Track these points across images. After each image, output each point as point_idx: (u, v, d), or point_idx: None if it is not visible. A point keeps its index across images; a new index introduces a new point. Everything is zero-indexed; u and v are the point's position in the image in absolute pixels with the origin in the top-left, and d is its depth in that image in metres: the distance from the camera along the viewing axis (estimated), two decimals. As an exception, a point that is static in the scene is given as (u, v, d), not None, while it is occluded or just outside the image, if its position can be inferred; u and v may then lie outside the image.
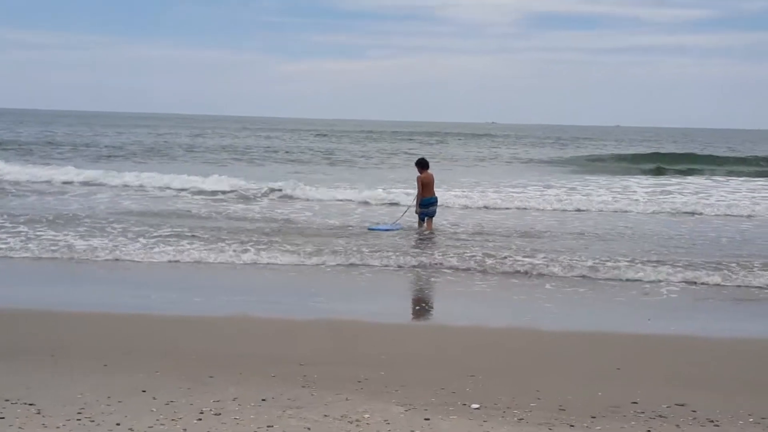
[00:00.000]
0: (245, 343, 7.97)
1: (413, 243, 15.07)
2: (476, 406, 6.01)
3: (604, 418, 5.80)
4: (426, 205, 16.46)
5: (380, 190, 23.19)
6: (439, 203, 17.07)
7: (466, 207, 20.99)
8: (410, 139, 69.23)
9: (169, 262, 12.71)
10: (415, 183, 16.81)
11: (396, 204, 20.43)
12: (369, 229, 16.68)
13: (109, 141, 53.38)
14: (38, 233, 14.52)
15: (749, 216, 20.50)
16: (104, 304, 9.72)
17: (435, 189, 16.70)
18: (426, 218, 16.49)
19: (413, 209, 16.79)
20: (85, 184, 24.95)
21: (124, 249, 13.26)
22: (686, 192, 26.45)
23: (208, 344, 7.83)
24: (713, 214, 20.69)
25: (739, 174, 36.29)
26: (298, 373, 6.74)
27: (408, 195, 19.86)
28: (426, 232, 16.17)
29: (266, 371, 6.78)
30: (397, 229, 16.52)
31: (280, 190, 23.19)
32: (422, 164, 16.80)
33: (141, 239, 14.17)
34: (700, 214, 20.69)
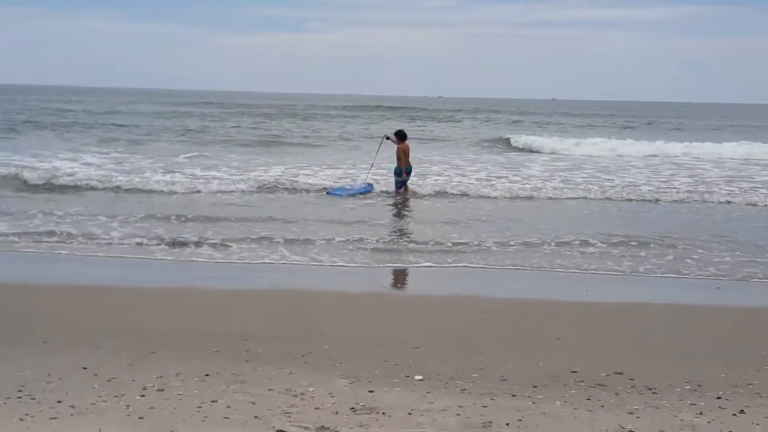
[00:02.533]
0: (188, 318, 7.91)
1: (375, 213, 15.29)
2: (419, 377, 6.07)
3: (545, 387, 5.90)
4: (401, 173, 18.14)
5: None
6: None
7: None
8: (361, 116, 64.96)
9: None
10: (394, 153, 18.50)
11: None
12: (328, 193, 17.42)
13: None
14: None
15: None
16: (41, 277, 9.58)
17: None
18: (403, 186, 18.14)
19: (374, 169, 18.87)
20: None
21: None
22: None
23: (150, 319, 7.75)
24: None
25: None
26: (241, 347, 6.71)
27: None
28: (401, 198, 17.60)
29: (209, 346, 6.74)
30: (366, 191, 17.54)
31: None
32: (401, 135, 18.60)
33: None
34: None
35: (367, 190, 17.79)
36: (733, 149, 33.75)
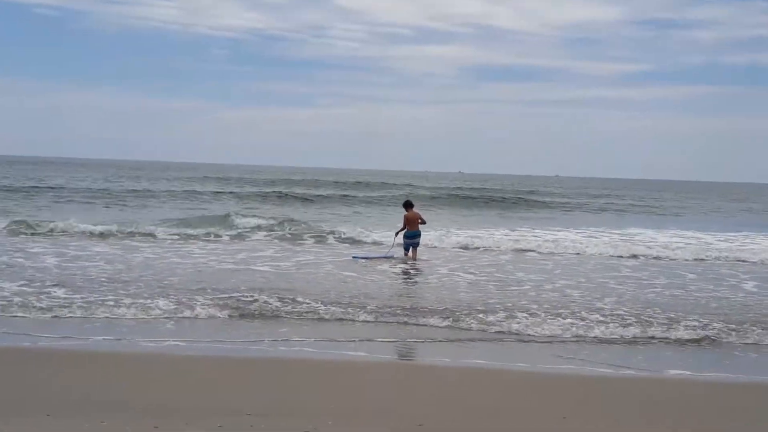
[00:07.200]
0: (191, 389, 7.83)
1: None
2: (425, 458, 5.99)
3: (551, 471, 5.81)
4: (409, 237, 19.88)
5: None
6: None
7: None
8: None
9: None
10: (402, 219, 20.16)
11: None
12: (353, 258, 19.37)
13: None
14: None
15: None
16: (41, 344, 9.53)
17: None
18: (411, 248, 19.82)
19: (398, 240, 20.21)
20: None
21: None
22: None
23: (154, 391, 7.68)
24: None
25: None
26: (245, 423, 6.64)
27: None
28: (410, 261, 19.23)
29: (212, 421, 6.66)
30: (388, 257, 19.43)
31: None
32: (408, 204, 20.37)
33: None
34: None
35: (388, 255, 19.60)
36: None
